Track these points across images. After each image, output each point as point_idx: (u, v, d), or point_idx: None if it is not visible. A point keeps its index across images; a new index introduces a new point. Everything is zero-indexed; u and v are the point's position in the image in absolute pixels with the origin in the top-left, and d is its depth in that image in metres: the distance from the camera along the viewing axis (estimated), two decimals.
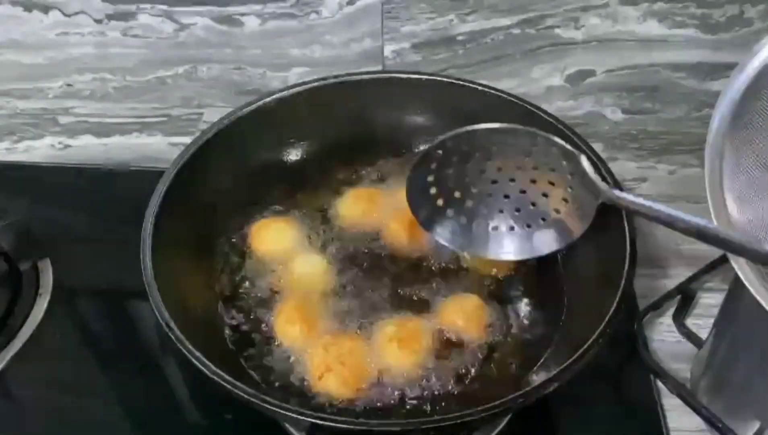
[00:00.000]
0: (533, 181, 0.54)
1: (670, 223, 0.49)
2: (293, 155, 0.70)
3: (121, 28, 0.80)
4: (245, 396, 0.46)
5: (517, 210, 0.55)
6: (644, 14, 0.76)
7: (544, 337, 0.57)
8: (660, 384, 0.59)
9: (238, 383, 0.46)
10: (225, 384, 0.46)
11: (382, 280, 0.60)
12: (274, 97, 0.67)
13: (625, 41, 0.78)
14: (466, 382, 0.54)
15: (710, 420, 0.53)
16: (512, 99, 0.66)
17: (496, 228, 0.55)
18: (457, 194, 0.55)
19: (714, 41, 0.77)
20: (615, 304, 0.50)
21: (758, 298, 0.45)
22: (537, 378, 0.47)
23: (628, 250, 0.53)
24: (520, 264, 0.61)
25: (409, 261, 0.62)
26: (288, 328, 0.56)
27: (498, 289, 0.60)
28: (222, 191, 0.64)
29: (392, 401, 0.52)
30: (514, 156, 0.53)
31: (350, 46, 0.80)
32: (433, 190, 0.55)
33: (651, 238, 0.72)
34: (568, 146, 0.51)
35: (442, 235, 0.57)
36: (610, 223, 0.56)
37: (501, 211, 0.55)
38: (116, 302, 0.67)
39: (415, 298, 0.59)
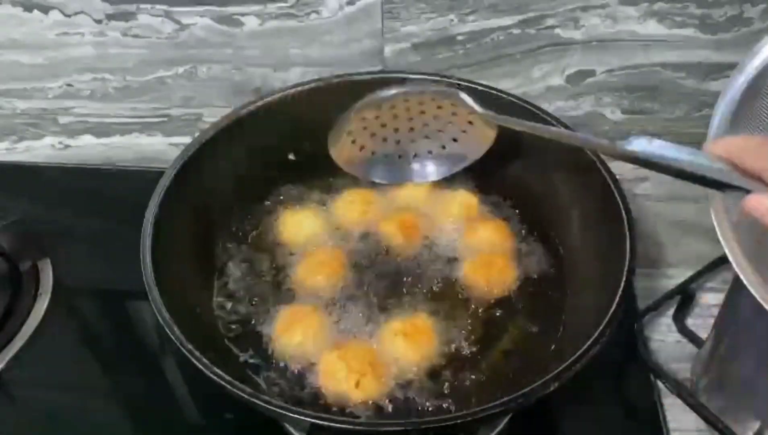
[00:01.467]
0: (438, 116, 0.59)
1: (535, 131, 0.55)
2: (293, 155, 0.70)
3: (121, 29, 0.80)
4: (245, 396, 0.46)
5: (427, 137, 0.60)
6: (644, 14, 0.76)
7: (545, 337, 0.57)
8: (660, 384, 0.59)
9: (238, 383, 0.46)
10: (225, 384, 0.46)
11: (380, 287, 0.60)
12: (274, 97, 0.67)
13: (625, 41, 0.78)
14: (466, 383, 0.54)
15: (710, 420, 0.53)
16: (512, 99, 0.66)
17: (416, 155, 0.61)
18: (378, 139, 0.60)
19: (714, 41, 0.77)
20: (615, 304, 0.50)
21: (758, 298, 0.45)
22: (537, 378, 0.47)
23: (628, 250, 0.53)
24: (521, 267, 0.61)
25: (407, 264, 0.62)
26: (290, 338, 0.56)
27: (500, 291, 0.60)
28: (222, 191, 0.64)
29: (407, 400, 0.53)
30: (417, 102, 0.58)
31: (350, 46, 0.79)
32: (355, 142, 0.60)
33: (651, 238, 0.72)
34: (446, 88, 0.59)
35: (377, 175, 0.61)
36: (610, 223, 0.56)
37: (414, 142, 0.61)
38: (116, 302, 0.67)
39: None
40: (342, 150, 0.60)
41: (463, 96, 0.57)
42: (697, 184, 0.43)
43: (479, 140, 0.59)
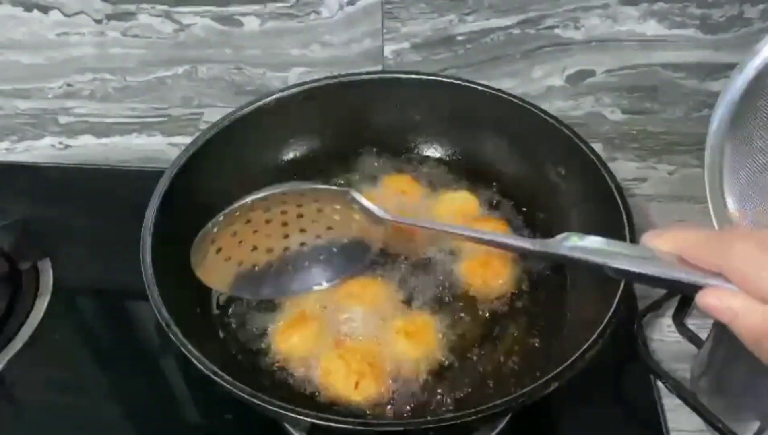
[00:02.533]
0: (317, 219, 0.54)
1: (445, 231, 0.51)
2: (293, 155, 0.70)
3: (121, 28, 0.80)
4: (245, 396, 0.46)
5: (303, 244, 0.56)
6: (644, 14, 0.76)
7: (545, 337, 0.57)
8: (660, 384, 0.59)
9: (238, 383, 0.46)
10: (225, 384, 0.46)
11: (381, 287, 0.60)
12: (274, 97, 0.67)
13: (625, 41, 0.78)
14: (466, 382, 0.54)
15: (710, 420, 0.53)
16: (512, 99, 0.66)
17: (306, 265, 0.56)
18: (248, 249, 0.54)
19: (714, 41, 0.77)
20: (615, 304, 0.50)
21: None
22: (537, 378, 0.47)
23: None
24: (521, 267, 0.61)
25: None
26: (289, 338, 0.56)
27: (500, 291, 0.60)
28: (222, 191, 0.64)
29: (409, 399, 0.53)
30: (294, 207, 0.53)
31: (350, 46, 0.80)
32: (224, 255, 0.53)
33: None
34: (336, 188, 0.53)
35: (255, 293, 0.56)
36: (610, 223, 0.56)
37: (291, 248, 0.55)
38: (116, 302, 0.67)
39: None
40: (211, 267, 0.52)
41: (355, 195, 0.51)
42: (638, 282, 0.39)
43: (368, 238, 0.54)
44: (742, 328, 0.34)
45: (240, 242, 0.53)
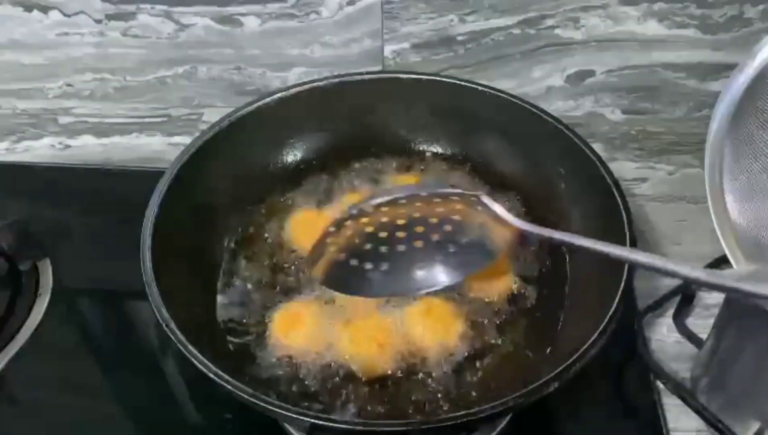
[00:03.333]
0: (443, 219, 0.50)
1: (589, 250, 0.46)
2: (292, 155, 0.70)
3: (121, 29, 0.80)
4: (245, 396, 0.46)
5: (438, 242, 0.49)
6: (644, 14, 0.76)
7: (545, 337, 0.57)
8: (660, 384, 0.59)
9: (238, 383, 0.46)
10: (225, 384, 0.46)
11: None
12: (274, 97, 0.67)
13: (625, 41, 0.78)
14: (466, 382, 0.54)
15: (710, 420, 0.53)
16: (512, 99, 0.66)
17: (421, 266, 0.49)
18: (372, 247, 0.50)
19: (714, 41, 0.77)
20: (615, 304, 0.50)
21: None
22: (537, 378, 0.47)
23: None
24: (521, 267, 0.61)
25: None
26: (289, 335, 0.56)
27: (500, 292, 0.60)
28: (222, 191, 0.64)
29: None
30: (418, 208, 0.51)
31: (350, 46, 0.79)
32: (343, 254, 0.50)
33: (651, 239, 0.72)
34: (469, 193, 0.50)
35: (373, 290, 0.50)
36: (610, 223, 0.56)
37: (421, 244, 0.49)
38: (116, 302, 0.67)
39: None
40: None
41: (486, 200, 0.49)
42: None
43: (493, 242, 0.48)
44: None
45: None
